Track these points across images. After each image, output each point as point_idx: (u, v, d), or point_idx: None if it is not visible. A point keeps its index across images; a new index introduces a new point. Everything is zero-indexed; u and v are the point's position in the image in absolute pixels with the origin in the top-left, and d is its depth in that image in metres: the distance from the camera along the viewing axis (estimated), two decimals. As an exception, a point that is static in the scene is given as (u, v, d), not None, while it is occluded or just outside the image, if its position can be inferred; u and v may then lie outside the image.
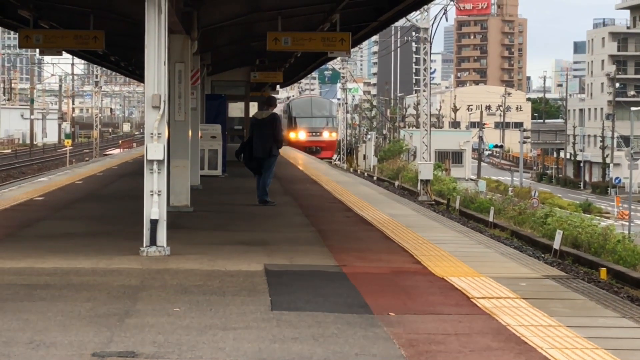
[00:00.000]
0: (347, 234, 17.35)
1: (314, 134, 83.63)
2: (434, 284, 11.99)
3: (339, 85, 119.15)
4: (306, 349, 8.46)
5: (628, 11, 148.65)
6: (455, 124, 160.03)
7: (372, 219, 19.71)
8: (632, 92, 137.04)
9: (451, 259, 14.10)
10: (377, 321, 9.62)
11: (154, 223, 13.77)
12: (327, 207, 22.89)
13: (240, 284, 11.73)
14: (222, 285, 11.61)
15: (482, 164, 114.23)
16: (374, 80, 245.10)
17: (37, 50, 31.15)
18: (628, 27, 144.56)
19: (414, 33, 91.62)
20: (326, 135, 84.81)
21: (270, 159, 22.18)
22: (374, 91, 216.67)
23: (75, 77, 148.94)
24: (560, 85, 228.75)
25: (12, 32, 39.11)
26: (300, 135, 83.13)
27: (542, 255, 31.76)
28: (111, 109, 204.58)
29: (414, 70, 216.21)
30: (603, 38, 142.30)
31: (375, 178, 68.95)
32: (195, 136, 25.08)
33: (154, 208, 13.73)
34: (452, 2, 66.50)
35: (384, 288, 11.61)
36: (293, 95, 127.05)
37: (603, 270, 29.45)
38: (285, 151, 49.48)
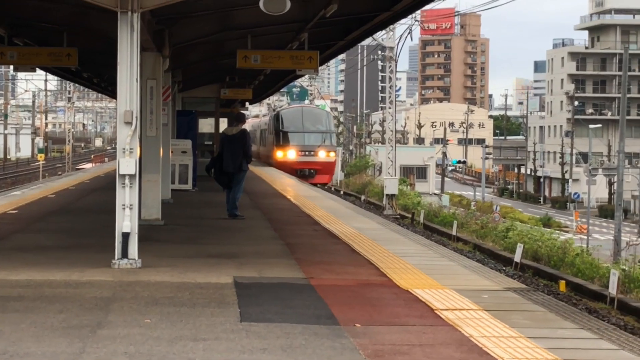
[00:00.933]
0: (314, 247, 17.35)
1: (306, 153, 64.34)
2: (399, 296, 12.01)
3: (306, 102, 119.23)
4: (274, 357, 8.47)
5: (587, 32, 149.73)
6: (419, 140, 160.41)
7: (339, 232, 19.72)
8: (590, 110, 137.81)
9: (416, 271, 14.13)
10: (344, 332, 9.63)
11: (126, 236, 13.74)
12: (295, 220, 22.87)
13: (210, 296, 11.71)
14: (192, 297, 11.59)
15: (446, 179, 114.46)
16: (340, 97, 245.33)
17: (11, 66, 30.99)
18: (586, 47, 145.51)
19: (380, 52, 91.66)
20: (322, 155, 64.82)
21: (240, 174, 22.19)
22: (340, 108, 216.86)
23: (49, 93, 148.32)
24: (521, 103, 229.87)
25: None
26: (289, 154, 63.82)
27: (504, 268, 31.84)
28: (84, 125, 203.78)
29: (379, 88, 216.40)
30: (562, 58, 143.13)
31: (342, 192, 68.91)
32: (166, 151, 25.05)
33: (126, 221, 13.70)
34: (416, 22, 66.74)
35: (351, 300, 11.62)
36: (261, 111, 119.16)
37: (562, 283, 29.57)
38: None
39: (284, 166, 60.37)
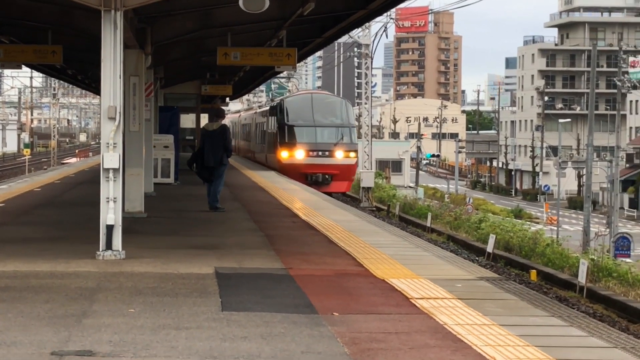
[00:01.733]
0: (293, 239, 17.35)
1: (319, 153, 48.76)
2: (376, 285, 12.02)
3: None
4: (255, 347, 8.46)
5: (556, 29, 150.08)
6: (394, 135, 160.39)
7: (317, 224, 19.72)
8: (560, 105, 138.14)
9: (391, 261, 14.14)
10: (322, 321, 9.63)
11: (110, 228, 13.70)
12: (274, 213, 22.87)
13: (192, 286, 11.70)
14: (174, 287, 11.58)
15: (420, 172, 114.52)
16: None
17: (-2, 63, 30.95)
18: (556, 44, 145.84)
19: (356, 49, 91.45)
20: (340, 156, 49.01)
21: (220, 168, 22.16)
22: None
23: (34, 90, 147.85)
24: (493, 98, 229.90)
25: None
26: (297, 154, 48.43)
27: (477, 258, 31.97)
28: (68, 120, 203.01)
29: (355, 84, 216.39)
30: (533, 54, 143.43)
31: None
32: (149, 146, 24.99)
33: (110, 214, 13.66)
34: (391, 20, 66.80)
35: (328, 289, 11.62)
36: (244, 106, 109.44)
37: (533, 272, 29.71)
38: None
39: (291, 170, 45.69)
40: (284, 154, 48.51)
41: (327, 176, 47.65)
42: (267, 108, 56.59)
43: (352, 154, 49.63)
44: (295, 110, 50.09)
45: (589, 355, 8.51)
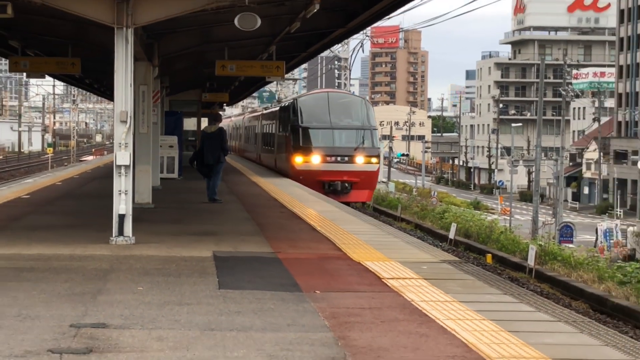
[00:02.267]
0: (281, 227, 17.32)
1: (338, 158, 38.32)
2: (352, 267, 12.01)
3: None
4: (247, 320, 8.46)
5: (510, 46, 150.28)
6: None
7: (302, 214, 19.70)
8: (513, 111, 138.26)
9: (366, 246, 14.13)
10: (306, 298, 9.62)
11: (122, 217, 13.68)
12: (265, 204, 22.82)
13: (193, 267, 11.67)
14: (178, 268, 11.55)
15: (392, 169, 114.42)
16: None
17: (24, 74, 30.74)
18: (509, 59, 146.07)
19: (336, 62, 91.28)
20: (360, 162, 38.40)
21: (218, 165, 22.12)
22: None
23: (56, 96, 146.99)
24: (455, 105, 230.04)
25: (3, 59, 38.59)
26: (313, 160, 38.17)
27: (440, 244, 32.01)
28: (86, 123, 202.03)
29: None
30: (489, 67, 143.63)
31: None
32: (156, 146, 24.93)
33: (122, 205, 13.64)
34: (367, 37, 66.83)
35: (312, 271, 11.61)
36: (243, 111, 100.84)
37: (489, 256, 29.76)
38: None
39: (306, 177, 36.29)
40: (297, 159, 37.89)
41: (346, 184, 37.54)
42: (277, 109, 46.08)
43: (374, 160, 38.82)
44: (310, 111, 39.31)
45: (537, 328, 8.52)
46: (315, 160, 37.56)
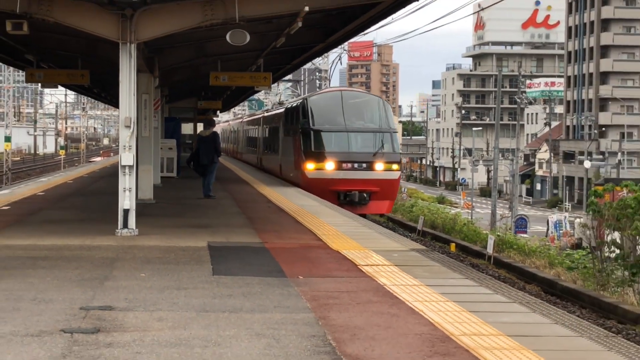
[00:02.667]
0: (268, 219, 17.32)
1: (355, 165, 29.75)
2: (331, 255, 12.03)
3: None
4: (238, 303, 8.46)
5: (471, 59, 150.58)
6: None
7: (287, 208, 19.69)
8: (474, 117, 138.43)
9: (344, 237, 14.15)
10: (290, 283, 9.64)
11: (126, 212, 13.66)
12: (254, 199, 22.80)
13: (190, 256, 11.66)
14: (176, 257, 11.55)
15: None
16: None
17: (39, 84, 30.60)
18: (471, 70, 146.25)
19: (317, 73, 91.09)
20: (380, 169, 29.73)
21: (212, 165, 22.07)
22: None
23: (68, 104, 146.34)
24: (422, 111, 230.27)
25: (20, 71, 38.39)
26: (327, 166, 29.66)
27: (409, 234, 31.98)
28: (94, 128, 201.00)
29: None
30: (453, 78, 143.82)
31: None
32: (156, 148, 24.88)
33: (126, 200, 13.62)
34: (345, 51, 66.87)
35: (295, 258, 11.62)
36: (237, 115, 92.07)
37: (453, 245, 29.80)
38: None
39: (318, 187, 28.60)
40: (309, 166, 29.77)
41: (364, 194, 29.61)
42: (281, 110, 37.68)
43: (395, 166, 30.52)
44: (322, 112, 30.93)
45: (494, 308, 8.56)
46: (329, 167, 29.51)
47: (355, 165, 29.67)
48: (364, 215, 24.48)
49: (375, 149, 29.88)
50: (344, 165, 29.58)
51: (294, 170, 31.67)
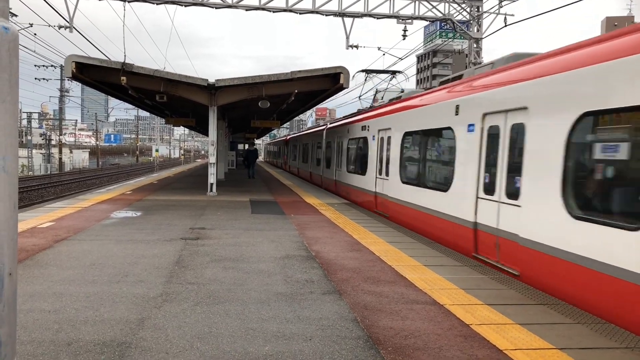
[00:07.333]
0: (278, 189, 17.16)
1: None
2: (306, 205, 11.94)
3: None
4: (262, 226, 8.45)
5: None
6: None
7: (288, 184, 19.55)
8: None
9: (312, 197, 14.04)
10: (287, 218, 9.60)
11: (212, 185, 13.55)
12: (274, 181, 22.63)
13: (242, 205, 11.57)
14: (236, 205, 11.46)
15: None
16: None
17: (172, 124, 30.21)
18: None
19: (302, 120, 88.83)
20: None
21: (254, 164, 21.95)
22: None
23: (185, 134, 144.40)
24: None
25: (162, 118, 37.71)
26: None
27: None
28: (198, 145, 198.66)
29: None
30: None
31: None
32: (225, 155, 24.59)
33: (211, 179, 13.51)
34: (313, 111, 64.93)
35: (290, 207, 11.55)
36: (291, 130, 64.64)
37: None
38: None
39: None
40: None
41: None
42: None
43: None
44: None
45: (386, 230, 8.40)
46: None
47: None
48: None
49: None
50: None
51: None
